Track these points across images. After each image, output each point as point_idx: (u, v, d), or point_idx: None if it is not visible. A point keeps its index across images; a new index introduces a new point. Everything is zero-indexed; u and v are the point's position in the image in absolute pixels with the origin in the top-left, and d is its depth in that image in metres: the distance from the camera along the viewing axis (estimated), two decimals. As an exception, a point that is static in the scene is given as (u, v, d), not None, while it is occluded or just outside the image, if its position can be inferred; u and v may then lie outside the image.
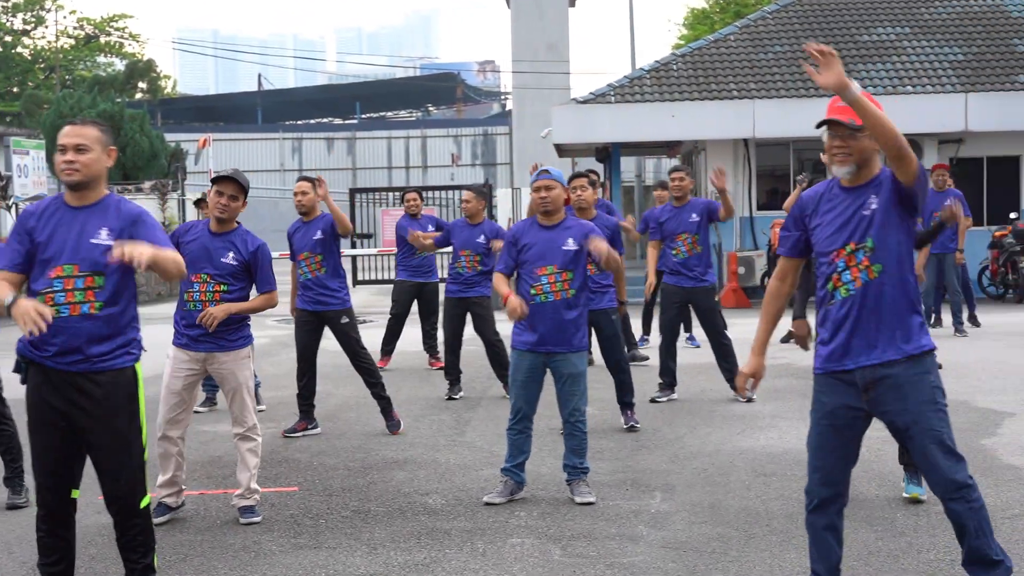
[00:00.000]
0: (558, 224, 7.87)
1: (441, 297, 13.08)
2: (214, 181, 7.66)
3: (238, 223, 7.75)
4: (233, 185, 7.56)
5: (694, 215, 11.52)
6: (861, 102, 4.87)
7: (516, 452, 7.92)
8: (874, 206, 5.17)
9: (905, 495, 7.56)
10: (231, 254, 7.58)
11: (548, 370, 7.89)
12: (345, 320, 10.40)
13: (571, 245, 7.77)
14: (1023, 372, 12.90)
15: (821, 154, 7.62)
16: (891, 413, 5.19)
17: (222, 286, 7.54)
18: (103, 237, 5.40)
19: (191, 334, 7.56)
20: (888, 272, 5.17)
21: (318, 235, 10.32)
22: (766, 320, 5.58)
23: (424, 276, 14.35)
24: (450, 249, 12.48)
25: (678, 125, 24.59)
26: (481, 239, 12.18)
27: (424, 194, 28.34)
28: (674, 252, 11.56)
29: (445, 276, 13.24)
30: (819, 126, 5.26)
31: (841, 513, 5.41)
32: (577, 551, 6.70)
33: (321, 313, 10.38)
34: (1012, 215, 22.77)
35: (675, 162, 29.12)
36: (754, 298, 23.39)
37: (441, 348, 13.87)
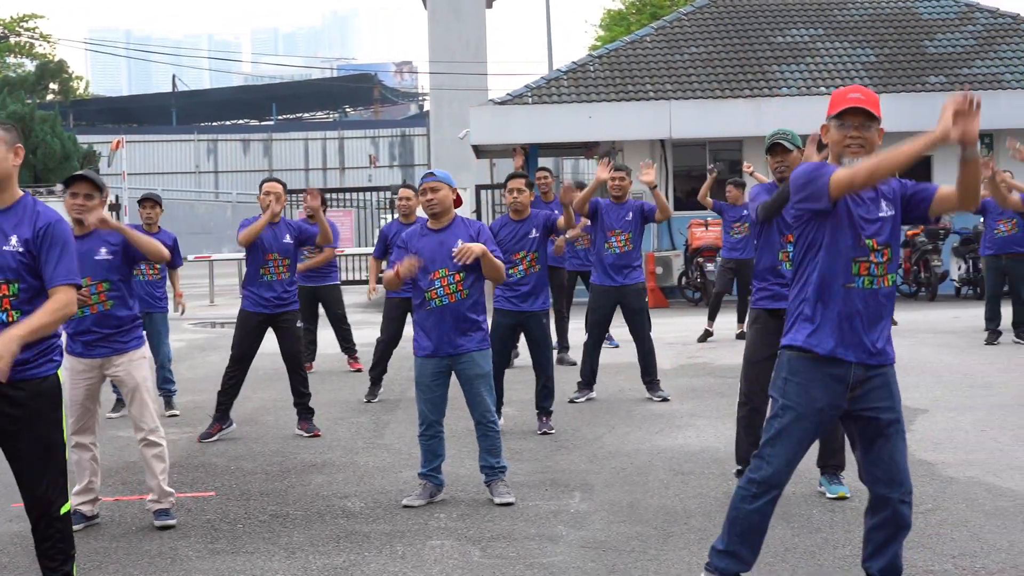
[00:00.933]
0: (447, 227, 7.84)
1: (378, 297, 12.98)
2: (66, 183, 7.55)
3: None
4: (87, 184, 7.45)
5: (630, 214, 11.53)
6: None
7: (431, 457, 7.89)
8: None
9: (831, 495, 7.61)
10: (103, 249, 7.50)
11: (453, 372, 7.87)
12: (300, 324, 10.37)
13: (460, 246, 7.73)
14: (936, 369, 13.10)
15: (767, 156, 7.67)
16: (878, 410, 5.26)
17: (104, 284, 7.45)
18: (13, 244, 5.31)
19: (84, 340, 7.48)
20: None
21: (287, 239, 10.31)
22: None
23: (321, 279, 14.17)
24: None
25: (595, 126, 24.68)
26: None
27: (342, 195, 28.07)
28: (607, 247, 11.53)
29: (347, 279, 13.14)
30: (842, 114, 5.21)
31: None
32: (496, 552, 6.69)
33: (277, 316, 10.32)
34: (924, 214, 23.05)
35: (618, 162, 29.16)
36: (672, 298, 23.54)
37: (368, 348, 13.82)
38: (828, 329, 5.24)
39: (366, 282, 28.81)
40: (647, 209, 11.48)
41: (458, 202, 7.94)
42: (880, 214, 5.25)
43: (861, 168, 4.99)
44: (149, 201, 11.37)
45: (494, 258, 7.69)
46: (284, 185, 10.57)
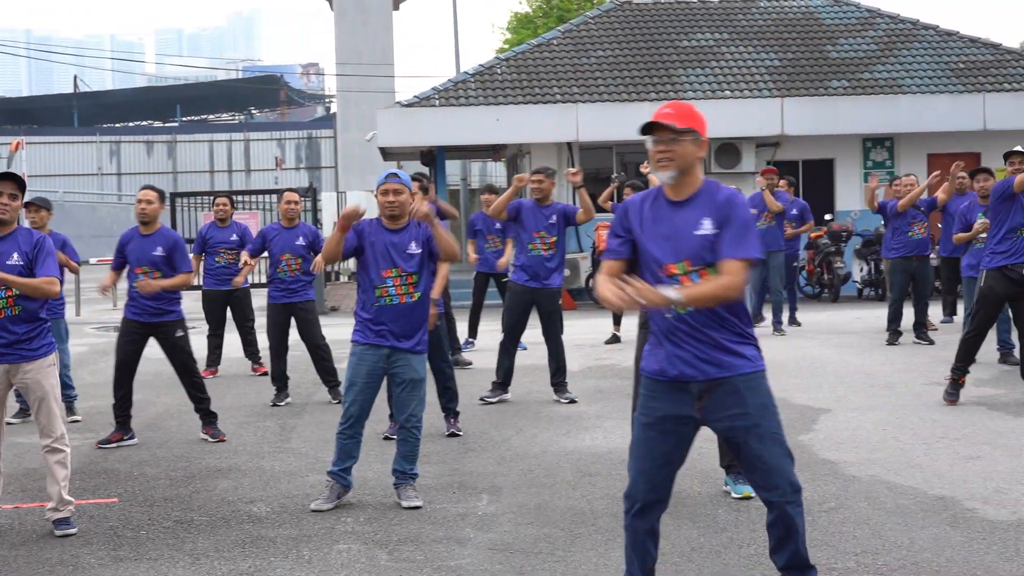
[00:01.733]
0: (403, 228, 7.82)
1: (262, 303, 12.87)
2: None
3: (19, 224, 7.50)
4: (12, 184, 7.31)
5: (553, 217, 11.54)
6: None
7: (345, 456, 7.85)
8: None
9: (736, 495, 7.68)
10: (15, 255, 7.32)
11: (387, 374, 7.84)
12: (180, 333, 10.21)
13: (414, 248, 7.74)
14: (838, 370, 13.27)
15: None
16: (731, 418, 5.19)
17: (13, 289, 7.28)
18: None
19: None
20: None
21: (159, 251, 10.10)
22: None
23: (229, 284, 14.05)
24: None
25: (503, 128, 24.71)
26: (300, 241, 12.09)
27: (248, 198, 27.81)
28: (531, 247, 11.52)
29: (255, 282, 13.03)
30: (643, 132, 5.22)
31: (660, 517, 5.40)
32: (404, 555, 6.67)
33: (156, 325, 10.15)
34: (827, 216, 23.42)
35: (540, 165, 29.19)
36: (579, 300, 23.63)
37: (264, 354, 13.72)
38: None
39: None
40: (570, 211, 11.51)
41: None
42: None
43: (599, 283, 5.08)
44: (33, 205, 11.13)
45: (444, 232, 7.83)
46: (161, 193, 10.41)
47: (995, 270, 10.80)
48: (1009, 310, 11.46)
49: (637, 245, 5.26)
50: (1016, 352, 12.96)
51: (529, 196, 11.77)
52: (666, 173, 5.16)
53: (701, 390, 5.17)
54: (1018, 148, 11.02)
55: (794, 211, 18.05)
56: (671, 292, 4.88)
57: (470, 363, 14.42)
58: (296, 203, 12.28)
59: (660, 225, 5.18)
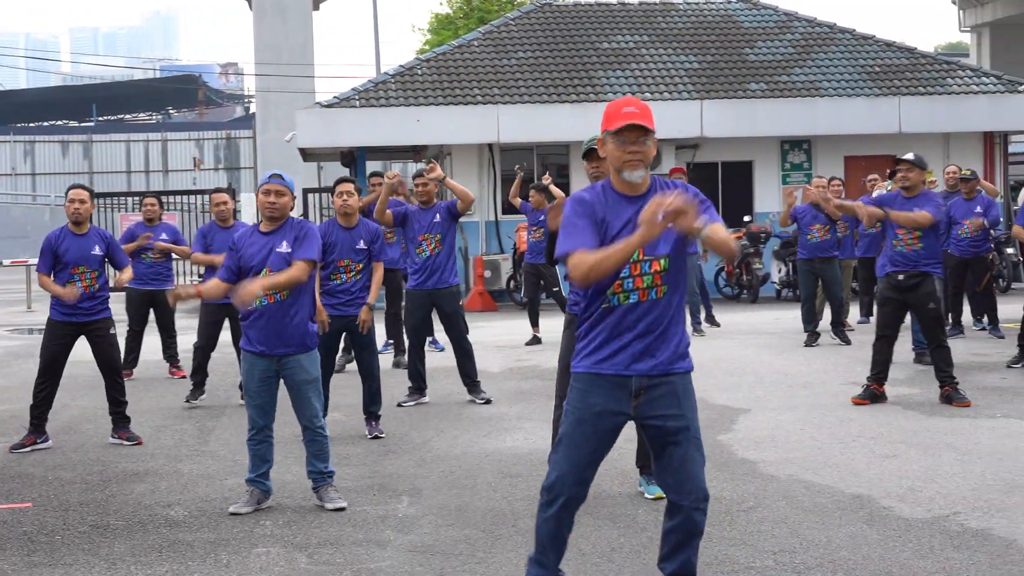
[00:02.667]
0: (276, 230, 7.74)
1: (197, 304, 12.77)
2: None
3: None
4: None
5: (437, 216, 11.55)
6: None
7: (259, 462, 7.78)
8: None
9: (649, 496, 7.71)
10: None
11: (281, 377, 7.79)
12: (113, 331, 10.12)
13: (284, 248, 7.66)
14: (757, 370, 13.39)
15: (584, 161, 7.73)
16: (665, 417, 5.25)
17: None
18: None
19: None
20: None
21: (97, 250, 10.03)
22: None
23: (156, 283, 13.92)
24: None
25: (424, 129, 24.66)
26: None
27: (166, 199, 27.64)
28: (417, 251, 11.55)
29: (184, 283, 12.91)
30: (618, 132, 5.20)
31: (576, 511, 5.46)
32: (323, 558, 6.63)
33: (88, 324, 10.04)
34: (746, 218, 23.63)
35: (421, 165, 29.15)
36: (500, 301, 23.64)
37: (183, 355, 13.60)
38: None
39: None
40: (451, 206, 11.53)
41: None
42: None
43: (585, 263, 5.03)
44: None
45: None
46: (92, 192, 10.31)
47: (883, 277, 11.17)
48: None
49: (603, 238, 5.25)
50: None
51: (415, 200, 11.87)
52: (637, 172, 5.22)
53: (640, 387, 5.22)
54: (908, 156, 11.17)
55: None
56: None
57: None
58: (226, 203, 12.21)
59: (620, 223, 5.21)
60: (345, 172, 29.21)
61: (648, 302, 5.21)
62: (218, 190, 12.74)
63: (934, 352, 11.02)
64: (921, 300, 10.92)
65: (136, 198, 30.46)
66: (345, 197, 10.06)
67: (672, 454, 5.26)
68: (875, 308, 11.82)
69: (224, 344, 12.47)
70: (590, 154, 7.59)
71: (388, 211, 11.41)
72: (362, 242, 10.12)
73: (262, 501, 7.77)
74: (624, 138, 5.20)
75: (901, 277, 10.93)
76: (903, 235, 10.92)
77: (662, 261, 5.21)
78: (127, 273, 10.32)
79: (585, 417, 5.29)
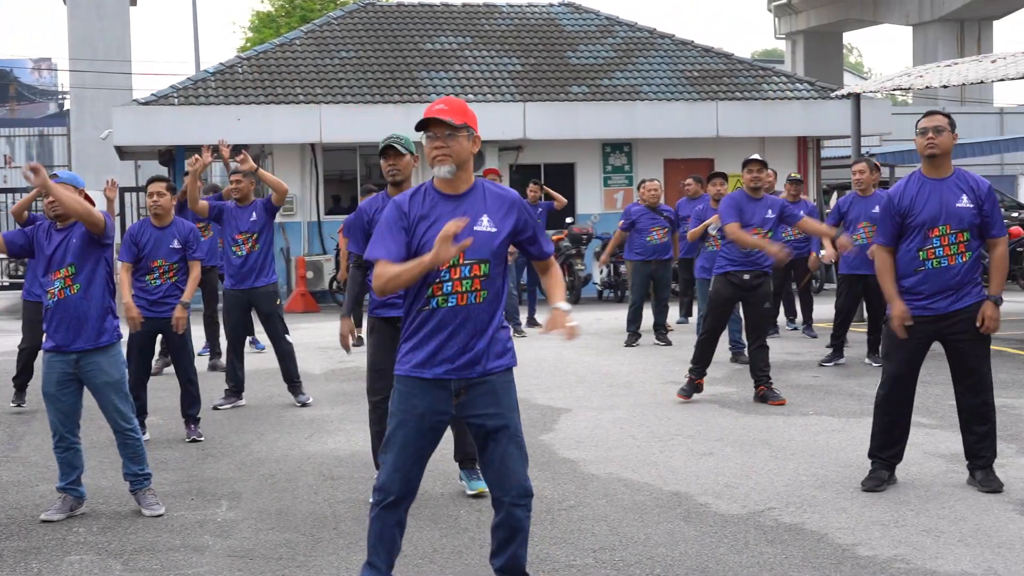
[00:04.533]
0: (72, 226, 7.54)
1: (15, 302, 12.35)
2: None
3: None
4: None
5: (254, 215, 11.41)
6: None
7: (68, 470, 7.56)
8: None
9: (470, 492, 7.73)
10: None
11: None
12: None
13: (75, 242, 7.49)
14: (578, 370, 13.51)
15: (380, 159, 7.73)
16: (484, 416, 5.31)
17: None
18: None
19: None
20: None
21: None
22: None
23: None
24: None
25: (244, 128, 24.29)
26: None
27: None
28: (234, 250, 11.39)
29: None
30: (419, 128, 5.28)
31: (408, 509, 5.48)
32: (139, 565, 6.48)
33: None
34: (568, 220, 23.84)
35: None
36: (323, 303, 23.45)
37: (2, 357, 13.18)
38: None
39: (6, 288, 27.58)
40: (267, 202, 11.43)
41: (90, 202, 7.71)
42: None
43: (384, 276, 5.14)
44: None
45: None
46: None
47: (721, 275, 11.26)
48: (741, 311, 11.87)
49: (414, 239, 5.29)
50: (747, 352, 13.45)
51: (231, 198, 11.72)
52: (444, 168, 5.25)
53: (459, 388, 5.28)
54: (755, 156, 11.40)
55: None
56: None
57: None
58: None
59: (441, 222, 5.21)
60: (163, 171, 28.65)
61: (467, 306, 5.26)
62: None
63: (756, 351, 11.23)
64: (760, 299, 11.13)
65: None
66: (156, 197, 9.87)
67: (493, 451, 5.33)
68: (695, 306, 11.97)
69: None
70: (386, 151, 7.63)
71: (204, 202, 11.25)
72: (176, 241, 9.93)
73: (75, 507, 7.56)
74: (432, 133, 5.26)
75: (747, 276, 11.09)
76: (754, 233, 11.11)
77: (482, 266, 5.27)
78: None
79: (408, 419, 5.34)
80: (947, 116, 7.61)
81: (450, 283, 5.23)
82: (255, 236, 11.37)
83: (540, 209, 17.89)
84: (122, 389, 7.63)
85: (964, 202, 7.48)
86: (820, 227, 12.32)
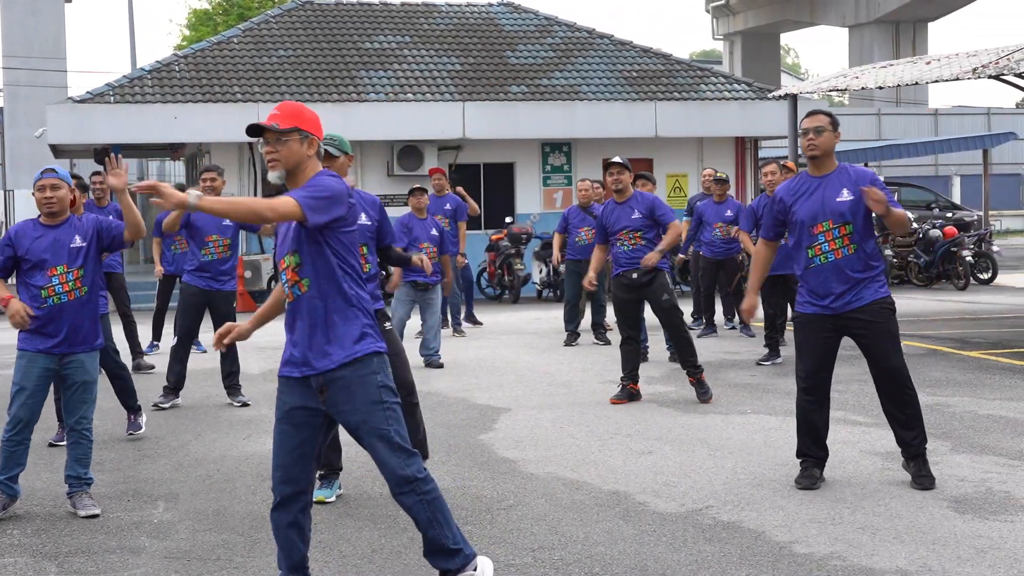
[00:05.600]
0: (63, 224, 7.54)
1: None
2: None
3: None
4: None
5: (226, 219, 11.30)
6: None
7: (12, 464, 7.49)
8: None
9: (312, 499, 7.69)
10: None
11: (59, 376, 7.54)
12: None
13: (79, 242, 7.48)
14: (518, 369, 13.52)
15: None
16: (343, 413, 5.38)
17: None
18: None
19: None
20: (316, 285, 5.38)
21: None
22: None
23: None
24: None
25: (181, 127, 24.16)
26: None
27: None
28: (204, 252, 11.29)
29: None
30: (250, 134, 5.38)
31: (306, 511, 5.52)
32: (75, 567, 6.41)
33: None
34: (507, 219, 23.87)
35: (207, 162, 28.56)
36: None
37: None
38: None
39: None
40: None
41: (74, 201, 7.67)
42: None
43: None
44: None
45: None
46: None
47: (615, 279, 11.43)
48: None
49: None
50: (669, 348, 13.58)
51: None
52: (274, 173, 5.36)
53: (319, 385, 5.38)
54: (616, 159, 11.49)
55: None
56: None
57: (152, 367, 14.03)
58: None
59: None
60: (99, 169, 28.38)
61: (296, 299, 5.42)
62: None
63: (677, 343, 11.35)
64: (656, 293, 11.20)
65: None
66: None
67: (365, 447, 5.45)
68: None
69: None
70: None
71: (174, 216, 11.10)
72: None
73: (8, 506, 7.48)
74: (263, 140, 5.38)
75: (635, 275, 11.18)
76: (624, 236, 11.20)
77: (288, 258, 5.39)
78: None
79: (281, 416, 5.47)
80: (829, 115, 7.72)
81: (286, 280, 5.42)
82: (227, 240, 11.32)
83: (448, 205, 17.19)
84: (94, 390, 7.64)
85: (844, 196, 7.60)
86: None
